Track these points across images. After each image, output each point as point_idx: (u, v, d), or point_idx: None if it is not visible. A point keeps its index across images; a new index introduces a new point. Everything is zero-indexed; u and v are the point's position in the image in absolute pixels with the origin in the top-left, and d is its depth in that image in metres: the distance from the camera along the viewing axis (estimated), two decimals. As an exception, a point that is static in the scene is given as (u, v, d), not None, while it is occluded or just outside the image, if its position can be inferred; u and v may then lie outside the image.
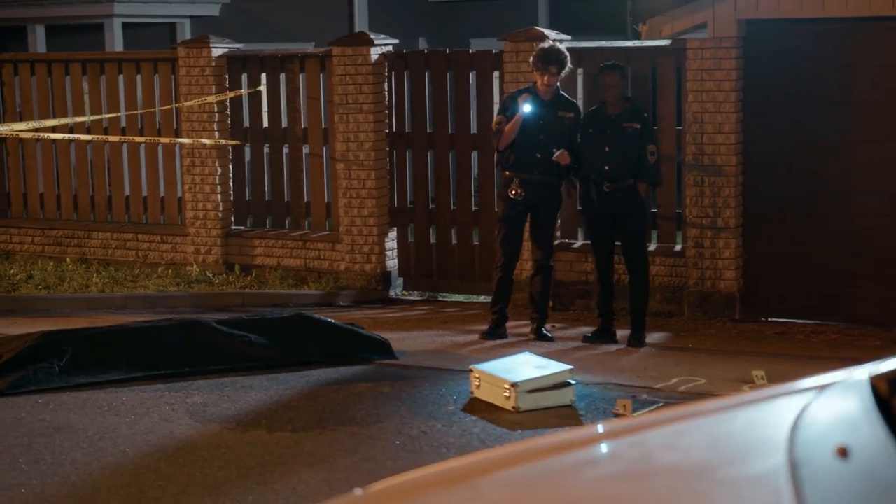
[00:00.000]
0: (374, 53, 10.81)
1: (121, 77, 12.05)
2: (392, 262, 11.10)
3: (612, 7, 19.87)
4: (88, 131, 12.03)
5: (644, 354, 8.65)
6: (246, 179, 11.75)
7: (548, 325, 9.20)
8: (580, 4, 19.14)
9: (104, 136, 11.76)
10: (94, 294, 10.68)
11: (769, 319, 9.72)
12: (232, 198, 11.67)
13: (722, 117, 9.57)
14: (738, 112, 9.57)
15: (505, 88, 10.18)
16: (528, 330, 9.16)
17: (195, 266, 11.53)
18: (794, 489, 1.88)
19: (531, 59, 8.99)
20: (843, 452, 1.95)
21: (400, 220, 11.14)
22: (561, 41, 9.63)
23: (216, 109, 11.45)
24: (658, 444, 2.27)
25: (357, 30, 16.38)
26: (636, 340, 8.89)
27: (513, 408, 6.95)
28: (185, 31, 17.68)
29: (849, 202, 9.43)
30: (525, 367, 7.25)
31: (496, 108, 10.45)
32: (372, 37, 10.91)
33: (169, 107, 11.64)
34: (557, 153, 8.75)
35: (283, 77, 11.42)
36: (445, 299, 11.06)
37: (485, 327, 9.20)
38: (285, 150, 11.54)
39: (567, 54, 8.87)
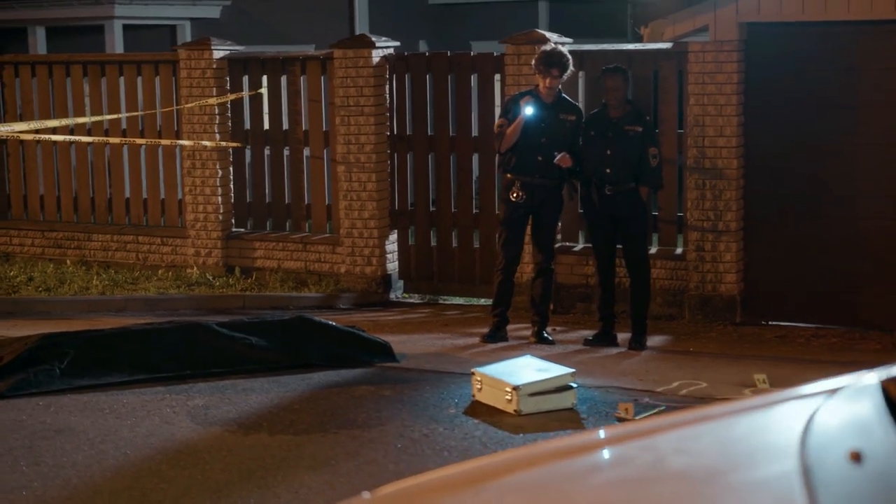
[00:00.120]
0: (376, 56, 10.81)
1: (121, 79, 12.05)
2: (392, 265, 11.09)
3: (612, 10, 19.88)
4: (89, 133, 12.02)
5: (645, 358, 8.64)
6: (246, 182, 11.75)
7: (548, 329, 9.19)
8: (580, 7, 19.15)
9: (105, 138, 11.75)
10: (95, 296, 10.67)
11: (770, 323, 9.72)
12: (232, 200, 11.67)
13: (723, 120, 9.57)
14: (740, 115, 9.57)
15: (506, 91, 10.18)
16: (528, 333, 9.15)
17: (195, 268, 11.52)
18: (808, 494, 1.87)
19: (533, 61, 8.99)
20: (856, 457, 1.94)
21: (400, 223, 11.14)
22: (563, 44, 9.63)
23: (217, 111, 11.44)
24: (668, 449, 2.26)
25: (357, 32, 16.40)
26: (637, 344, 8.88)
27: (514, 411, 6.94)
28: (186, 34, 17.68)
29: (850, 205, 9.43)
30: (527, 370, 7.24)
31: (497, 110, 10.45)
32: (373, 39, 10.90)
33: (170, 109, 11.63)
34: (559, 156, 8.74)
35: (284, 79, 11.41)
36: (446, 302, 11.05)
37: (485, 330, 9.19)
38: (286, 152, 11.53)
39: (569, 57, 8.86)
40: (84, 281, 11.20)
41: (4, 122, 12.10)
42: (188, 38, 16.75)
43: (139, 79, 11.96)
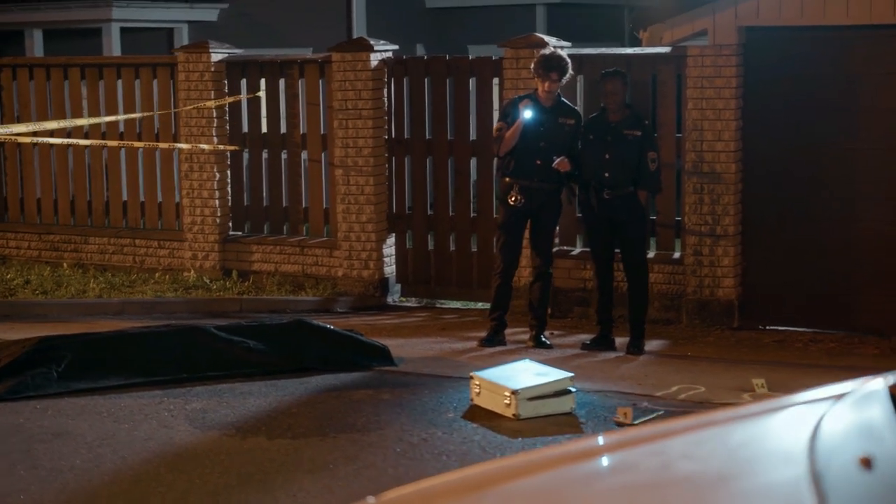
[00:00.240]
0: (374, 59, 10.80)
1: (119, 82, 12.03)
2: (390, 269, 11.08)
3: (610, 14, 19.90)
4: (86, 136, 12.00)
5: (643, 362, 8.64)
6: (244, 185, 11.73)
7: (546, 333, 9.18)
8: (578, 11, 19.15)
9: (102, 141, 11.73)
10: (92, 299, 10.65)
11: (767, 327, 9.71)
12: (230, 203, 11.65)
13: (722, 125, 9.57)
14: (738, 119, 9.56)
15: (504, 95, 10.17)
16: (526, 337, 9.14)
17: (192, 272, 11.50)
18: (819, 500, 1.86)
19: (532, 65, 8.99)
20: (867, 463, 1.93)
21: (398, 227, 11.13)
22: (561, 48, 9.62)
23: (215, 115, 11.43)
24: (675, 454, 2.25)
25: (355, 35, 16.39)
26: (635, 348, 8.87)
27: (513, 415, 6.93)
28: (183, 36, 17.66)
29: (849, 210, 9.42)
30: (525, 374, 7.23)
31: (496, 114, 10.45)
32: (372, 42, 10.89)
33: (167, 111, 11.61)
34: (557, 160, 8.73)
35: (282, 82, 11.40)
36: (443, 306, 11.04)
37: (483, 334, 9.18)
38: (284, 155, 11.52)
39: (568, 61, 8.85)
40: (81, 284, 11.17)
41: (2, 124, 12.07)
42: (185, 41, 16.73)
43: (137, 82, 11.95)
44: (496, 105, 10.73)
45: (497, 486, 2.34)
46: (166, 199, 11.97)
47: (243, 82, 11.53)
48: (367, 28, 17.40)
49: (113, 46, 16.73)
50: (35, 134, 10.88)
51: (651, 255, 9.83)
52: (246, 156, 11.71)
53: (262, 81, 11.44)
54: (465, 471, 2.58)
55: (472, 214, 10.87)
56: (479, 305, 10.67)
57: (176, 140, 11.65)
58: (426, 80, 10.91)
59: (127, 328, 8.54)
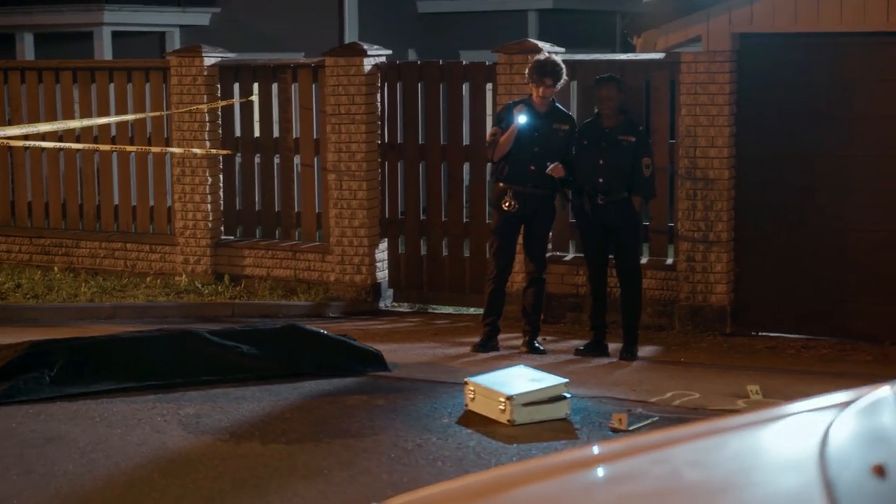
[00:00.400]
0: (368, 64, 10.79)
1: (111, 86, 12.00)
2: (382, 274, 11.06)
3: (602, 20, 19.92)
4: (78, 140, 11.96)
5: (637, 368, 8.63)
6: (236, 189, 11.70)
7: (539, 338, 9.17)
8: (570, 17, 19.17)
9: (94, 145, 11.69)
10: (83, 304, 10.61)
11: (760, 333, 9.72)
12: (222, 207, 11.62)
13: (715, 131, 9.58)
14: (732, 126, 9.57)
15: (498, 100, 10.17)
16: (519, 342, 9.13)
17: (184, 276, 11.47)
18: (832, 508, 1.85)
19: (527, 70, 8.98)
20: (880, 471, 1.92)
21: (391, 232, 11.11)
22: (555, 53, 9.62)
23: (207, 119, 11.40)
24: (682, 462, 2.23)
25: (347, 41, 16.37)
26: (628, 354, 8.86)
27: (508, 421, 6.91)
28: (175, 41, 17.62)
29: (842, 217, 9.44)
30: (520, 380, 7.22)
31: (489, 119, 10.45)
32: (365, 47, 10.88)
33: (160, 113, 11.58)
34: (551, 166, 8.72)
35: (275, 87, 11.38)
36: (435, 311, 11.03)
37: (476, 339, 9.17)
38: (276, 160, 11.49)
39: (563, 66, 8.86)
40: (72, 288, 11.13)
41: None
42: (177, 46, 16.69)
43: (129, 86, 11.91)
44: (489, 110, 10.73)
45: (502, 493, 2.32)
46: (158, 203, 11.93)
47: (236, 86, 11.51)
48: (360, 33, 17.39)
49: (104, 50, 16.69)
50: (26, 137, 10.83)
51: (644, 260, 9.82)
52: (238, 160, 11.69)
53: (255, 86, 11.42)
54: (467, 478, 2.56)
55: (464, 219, 10.86)
56: (472, 311, 10.66)
57: (168, 144, 11.62)
58: (419, 85, 10.90)
59: (119, 332, 8.50)
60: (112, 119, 11.48)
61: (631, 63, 10.05)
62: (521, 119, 8.72)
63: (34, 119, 12.18)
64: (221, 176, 11.59)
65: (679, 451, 2.31)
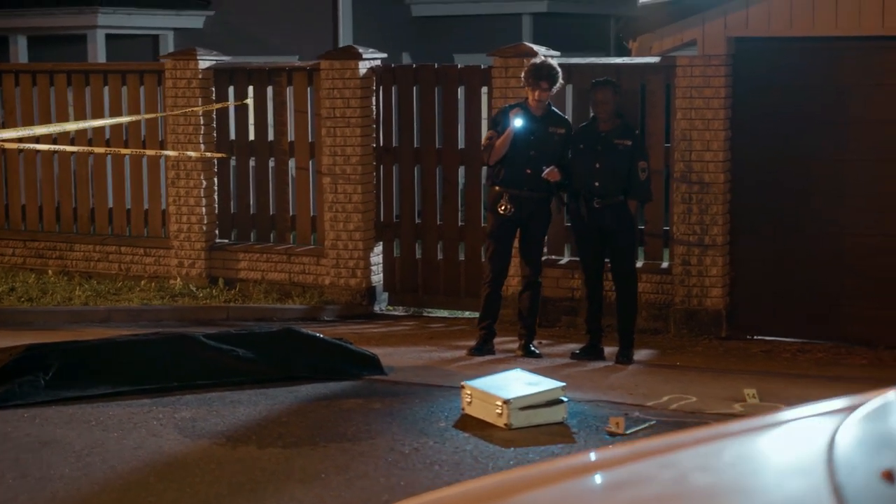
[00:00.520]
0: (363, 67, 10.78)
1: (106, 89, 11.97)
2: (377, 277, 11.05)
3: (596, 24, 19.94)
4: (72, 143, 11.94)
5: (633, 371, 8.63)
6: (231, 193, 11.69)
7: (535, 342, 9.16)
8: (564, 21, 19.18)
9: (89, 148, 11.67)
10: (78, 307, 10.59)
11: (755, 337, 9.72)
12: (217, 211, 11.61)
13: (710, 135, 9.58)
14: (727, 130, 9.58)
15: (493, 104, 10.17)
16: (515, 346, 9.13)
17: (178, 279, 11.45)
18: (842, 514, 1.84)
19: (523, 74, 8.98)
20: (889, 476, 1.92)
21: (386, 235, 11.10)
22: (551, 57, 9.62)
23: (202, 122, 11.38)
24: (690, 466, 2.23)
25: (341, 44, 16.36)
26: (624, 357, 8.86)
27: (505, 425, 6.90)
28: (169, 44, 17.60)
29: (837, 221, 9.45)
30: (517, 383, 7.21)
31: (484, 123, 10.46)
32: (360, 51, 10.88)
33: (154, 115, 11.55)
34: (547, 170, 8.72)
35: (270, 90, 11.37)
36: (430, 315, 11.02)
37: (472, 343, 9.16)
38: (271, 163, 11.48)
39: (558, 70, 8.86)
40: (66, 291, 11.11)
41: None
42: (171, 49, 16.67)
43: (124, 89, 11.89)
44: (485, 114, 10.73)
45: (508, 498, 2.31)
46: (152, 206, 11.91)
47: (231, 89, 11.50)
48: (354, 36, 17.38)
49: (98, 53, 16.66)
50: (21, 140, 10.81)
51: (639, 264, 9.83)
52: (233, 163, 11.67)
53: (250, 89, 11.41)
54: (472, 483, 2.55)
55: (459, 223, 10.85)
56: (467, 314, 10.66)
57: (163, 147, 11.60)
58: (415, 88, 10.90)
59: (115, 336, 8.49)
60: (107, 121, 11.46)
61: (627, 67, 10.06)
62: (518, 123, 8.72)
63: (28, 122, 12.15)
64: (216, 179, 11.58)
65: (686, 455, 2.31)
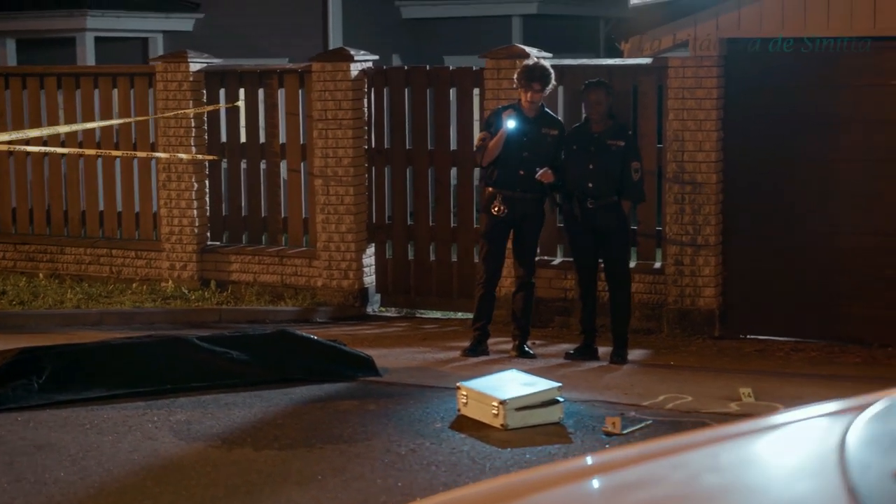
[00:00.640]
0: (354, 69, 10.78)
1: (96, 91, 11.94)
2: (369, 279, 11.04)
3: (586, 26, 19.96)
4: (63, 145, 11.91)
5: (627, 371, 8.64)
6: (222, 195, 11.67)
7: (529, 342, 9.17)
8: (553, 22, 19.19)
9: (79, 150, 11.63)
10: (70, 310, 10.56)
11: (748, 336, 9.74)
12: (208, 213, 11.59)
13: (703, 135, 9.60)
14: (719, 130, 9.60)
15: (485, 105, 10.17)
16: (509, 347, 9.13)
17: (170, 282, 11.43)
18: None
19: (515, 75, 8.99)
20: (903, 476, 1.92)
21: (378, 237, 11.10)
22: (543, 58, 9.62)
23: (193, 124, 11.36)
24: (701, 467, 2.23)
25: (331, 46, 16.35)
26: (619, 357, 8.87)
27: (501, 425, 6.90)
28: (158, 46, 17.58)
29: (829, 220, 9.47)
30: (513, 384, 7.21)
31: (476, 125, 10.45)
32: (352, 53, 10.87)
33: (145, 118, 11.53)
34: (540, 172, 8.73)
35: (261, 92, 11.35)
36: (423, 316, 11.01)
37: (465, 344, 9.16)
38: (263, 165, 11.47)
39: (551, 71, 8.87)
40: (58, 294, 11.08)
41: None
42: (160, 51, 16.65)
43: (115, 91, 11.87)
44: (477, 115, 10.73)
45: (516, 500, 2.31)
46: (144, 208, 11.88)
47: (222, 92, 11.48)
48: (344, 39, 17.37)
49: (87, 56, 16.63)
50: (11, 142, 10.77)
51: (632, 264, 9.83)
52: (224, 165, 11.65)
53: (242, 91, 11.39)
54: (478, 485, 2.55)
55: (452, 224, 10.85)
56: (460, 315, 10.66)
57: (154, 149, 11.57)
58: (406, 90, 10.89)
59: (108, 339, 8.47)
60: (97, 124, 11.42)
61: (619, 68, 10.07)
62: (510, 124, 8.73)
63: (18, 125, 12.11)
64: (207, 181, 11.56)
65: (696, 455, 2.31)
